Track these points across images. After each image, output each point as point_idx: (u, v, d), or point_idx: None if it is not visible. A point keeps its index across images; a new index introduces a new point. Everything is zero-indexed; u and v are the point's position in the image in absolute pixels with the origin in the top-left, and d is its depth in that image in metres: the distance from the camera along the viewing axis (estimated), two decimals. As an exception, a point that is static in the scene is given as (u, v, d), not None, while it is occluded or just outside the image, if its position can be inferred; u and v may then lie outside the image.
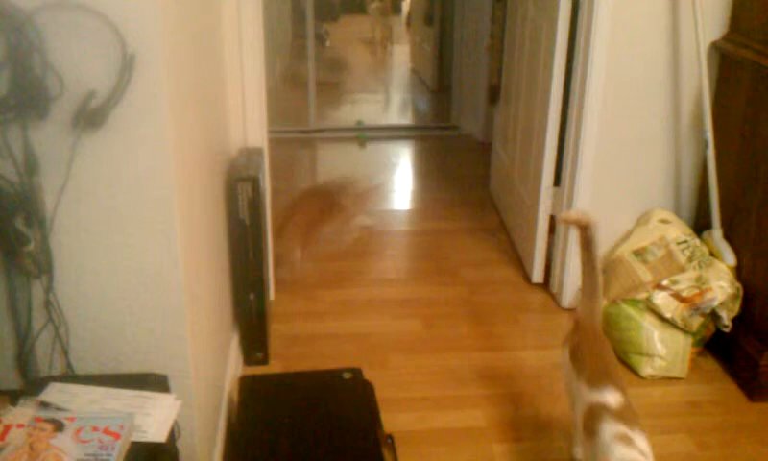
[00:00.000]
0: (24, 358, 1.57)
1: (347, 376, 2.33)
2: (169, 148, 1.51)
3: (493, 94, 4.33)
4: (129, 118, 1.45)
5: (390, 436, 2.25)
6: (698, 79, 2.85)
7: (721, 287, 2.67)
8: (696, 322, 2.69)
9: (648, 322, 2.74)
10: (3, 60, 1.35)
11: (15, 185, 1.44)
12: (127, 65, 1.41)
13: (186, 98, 1.75)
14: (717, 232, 2.84)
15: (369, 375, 2.37)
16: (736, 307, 2.70)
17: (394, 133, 5.80)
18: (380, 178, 4.72)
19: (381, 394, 2.34)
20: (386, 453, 2.07)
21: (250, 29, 2.77)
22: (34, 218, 1.47)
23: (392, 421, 2.36)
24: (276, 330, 2.96)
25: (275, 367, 2.77)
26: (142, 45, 1.41)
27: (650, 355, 2.73)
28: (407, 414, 2.54)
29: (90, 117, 1.42)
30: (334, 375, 2.36)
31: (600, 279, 2.12)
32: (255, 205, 2.56)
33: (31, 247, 1.48)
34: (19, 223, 1.46)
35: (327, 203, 3.60)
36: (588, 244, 2.10)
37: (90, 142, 1.46)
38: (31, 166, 1.44)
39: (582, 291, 2.19)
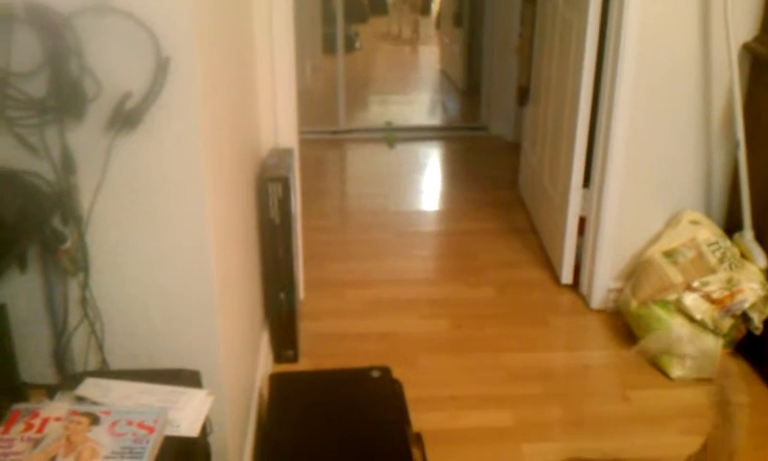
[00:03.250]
0: (60, 354, 1.61)
1: (375, 374, 2.34)
2: (202, 148, 1.53)
3: (523, 95, 4.32)
4: (163, 119, 1.48)
5: (418, 435, 2.26)
6: (729, 80, 2.83)
7: (752, 289, 2.65)
8: (727, 323, 2.67)
9: (678, 323, 2.72)
10: (42, 63, 1.39)
11: (53, 185, 1.47)
12: (162, 67, 1.43)
13: (219, 99, 1.78)
14: (748, 234, 2.82)
15: (397, 373, 2.38)
16: (767, 309, 2.68)
17: (423, 134, 5.80)
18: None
19: (410, 393, 2.35)
20: (415, 451, 2.09)
21: (281, 31, 2.80)
22: (70, 217, 1.51)
23: (420, 419, 2.37)
24: (306, 329, 2.99)
25: (304, 365, 2.80)
26: (176, 48, 1.43)
27: (680, 357, 2.71)
28: (436, 413, 2.55)
29: (126, 118, 1.45)
30: (363, 373, 2.37)
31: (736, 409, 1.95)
32: (286, 204, 2.59)
33: (68, 245, 1.51)
34: (56, 222, 1.49)
35: None
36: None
37: (126, 142, 1.49)
38: (68, 166, 1.47)
39: (716, 417, 1.93)
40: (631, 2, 2.76)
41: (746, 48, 2.83)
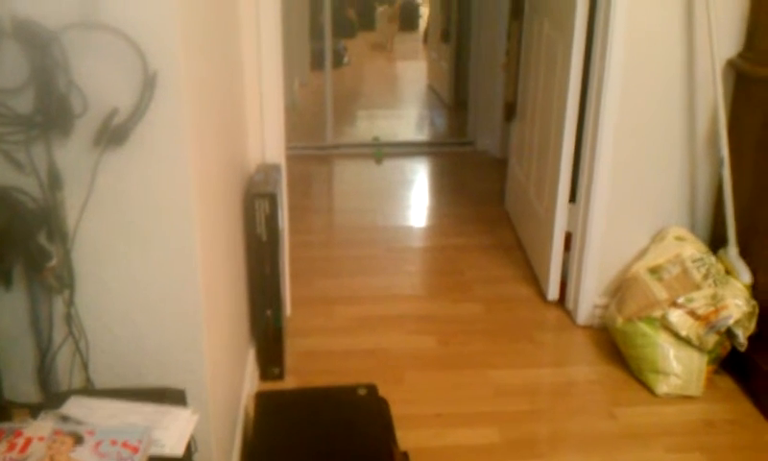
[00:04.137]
0: (45, 372, 1.60)
1: (362, 392, 2.34)
2: (189, 164, 1.53)
3: (510, 111, 4.35)
4: (150, 135, 1.48)
5: (405, 453, 2.26)
6: (713, 96, 2.86)
7: (737, 305, 2.67)
8: (712, 340, 2.68)
9: (663, 340, 2.73)
10: (29, 79, 1.38)
11: (39, 201, 1.46)
12: (149, 83, 1.43)
13: (206, 115, 1.78)
14: (733, 250, 2.83)
15: (384, 391, 2.38)
16: (752, 326, 2.69)
17: (410, 150, 5.82)
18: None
19: (396, 410, 2.34)
20: (401, 469, 2.08)
21: (269, 46, 2.80)
22: (56, 233, 1.50)
23: (407, 437, 2.37)
24: (293, 346, 2.98)
25: (290, 382, 2.78)
26: (164, 63, 1.43)
27: (665, 373, 2.72)
28: (422, 430, 2.54)
29: (113, 134, 1.45)
30: (349, 390, 2.37)
31: None
32: (273, 221, 2.58)
33: (53, 262, 1.50)
34: (42, 238, 1.49)
35: None
36: None
37: (112, 159, 1.48)
38: (54, 182, 1.46)
39: None
40: (616, 19, 2.78)
41: (730, 64, 2.85)
